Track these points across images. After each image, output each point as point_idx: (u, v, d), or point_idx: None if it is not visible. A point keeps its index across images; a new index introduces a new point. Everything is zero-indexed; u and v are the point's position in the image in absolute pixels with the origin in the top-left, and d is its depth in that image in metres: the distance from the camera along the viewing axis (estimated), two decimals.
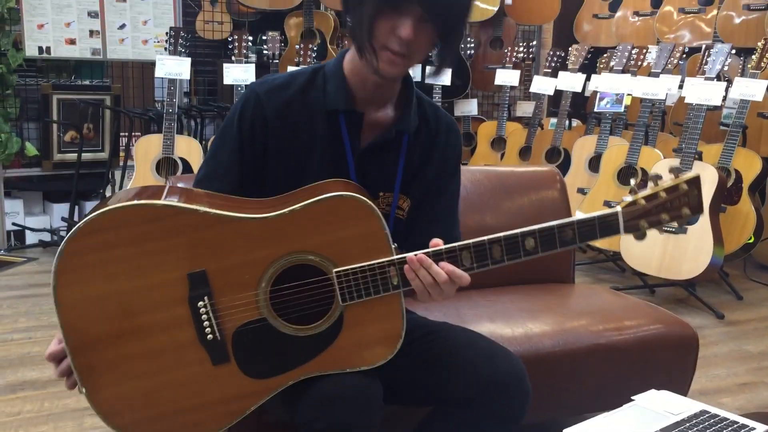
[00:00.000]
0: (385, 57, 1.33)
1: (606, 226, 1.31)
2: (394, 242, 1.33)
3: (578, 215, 1.31)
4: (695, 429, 1.37)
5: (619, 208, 1.31)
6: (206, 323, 1.28)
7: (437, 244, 1.31)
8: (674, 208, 1.31)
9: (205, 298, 1.28)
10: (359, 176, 1.46)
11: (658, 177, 1.32)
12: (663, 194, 1.31)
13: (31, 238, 4.40)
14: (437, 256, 1.30)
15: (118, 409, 1.27)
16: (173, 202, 1.27)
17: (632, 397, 1.50)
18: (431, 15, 1.30)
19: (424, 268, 1.29)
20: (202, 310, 1.28)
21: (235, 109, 1.47)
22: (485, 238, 1.30)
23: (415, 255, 1.29)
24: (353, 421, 1.30)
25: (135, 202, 1.25)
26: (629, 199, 1.32)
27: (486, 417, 1.45)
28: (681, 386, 2.13)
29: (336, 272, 1.30)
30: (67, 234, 1.24)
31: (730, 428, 1.37)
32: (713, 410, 1.44)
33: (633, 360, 2.08)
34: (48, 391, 2.52)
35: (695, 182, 1.31)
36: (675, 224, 1.35)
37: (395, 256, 1.30)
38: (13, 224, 4.33)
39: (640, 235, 1.34)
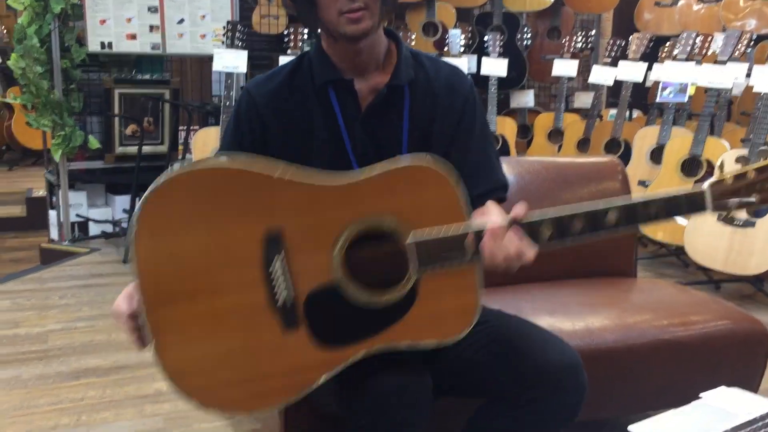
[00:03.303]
0: (344, 20, 1.35)
1: (692, 202, 1.29)
2: None
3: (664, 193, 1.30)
4: (767, 429, 1.31)
5: (706, 186, 1.28)
6: (280, 283, 1.26)
7: (516, 217, 1.25)
8: (764, 189, 1.29)
9: (281, 253, 1.26)
10: (367, 143, 1.45)
11: (745, 159, 1.35)
12: (752, 174, 1.28)
13: (94, 229, 4.51)
14: (514, 225, 1.25)
15: (187, 371, 1.22)
16: (251, 167, 1.28)
17: (700, 395, 1.45)
18: None
19: (498, 239, 1.24)
20: (277, 268, 1.26)
21: (234, 109, 1.54)
22: (566, 208, 1.26)
23: (493, 226, 1.24)
24: (402, 416, 1.29)
25: (217, 164, 1.28)
26: (716, 178, 1.29)
27: (539, 411, 1.41)
28: (750, 385, 2.05)
29: (411, 236, 1.27)
30: (128, 225, 1.27)
31: None
32: None
33: (699, 357, 2.00)
34: (110, 379, 2.57)
35: None
36: (745, 214, 1.33)
37: (472, 225, 1.27)
38: (77, 216, 4.45)
39: (728, 214, 1.36)
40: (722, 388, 1.48)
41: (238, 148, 1.47)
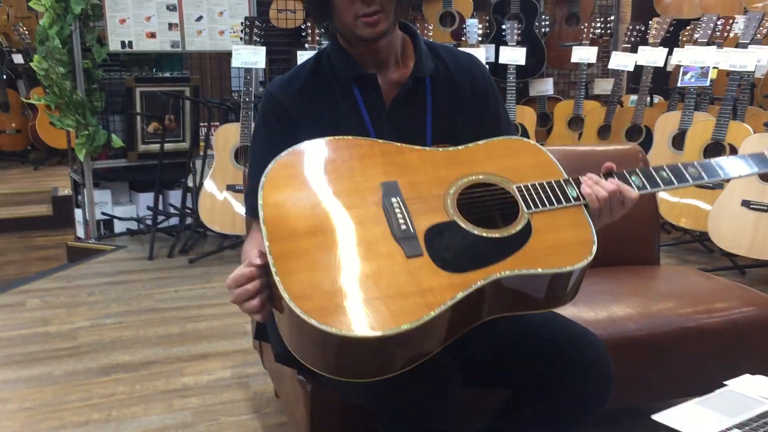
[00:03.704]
0: (361, 24, 1.38)
1: (760, 158, 1.49)
2: None
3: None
4: None
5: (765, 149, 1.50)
6: (400, 218, 1.28)
7: (610, 167, 1.42)
8: None
9: (397, 197, 1.31)
10: (393, 136, 1.46)
11: None
12: None
13: (119, 227, 4.57)
14: (607, 176, 1.41)
15: (308, 293, 1.17)
16: (368, 138, 1.42)
17: (725, 382, 1.44)
18: None
19: (596, 182, 1.37)
20: (396, 206, 1.30)
21: (258, 117, 1.54)
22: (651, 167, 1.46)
23: (589, 174, 1.39)
24: (431, 404, 1.30)
25: (340, 137, 1.39)
26: None
27: (567, 402, 1.42)
28: None
29: (517, 186, 1.36)
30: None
31: None
32: None
33: (723, 344, 2.00)
34: (139, 374, 2.62)
35: None
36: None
37: (570, 176, 1.39)
38: (103, 214, 4.51)
39: None
40: (746, 376, 1.47)
41: (271, 151, 1.45)
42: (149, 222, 4.41)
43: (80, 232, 4.56)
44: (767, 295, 2.15)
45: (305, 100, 1.49)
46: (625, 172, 1.42)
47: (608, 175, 1.41)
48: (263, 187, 1.30)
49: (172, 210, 4.60)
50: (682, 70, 4.23)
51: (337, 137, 1.38)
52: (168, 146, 4.38)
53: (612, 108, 4.76)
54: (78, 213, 4.57)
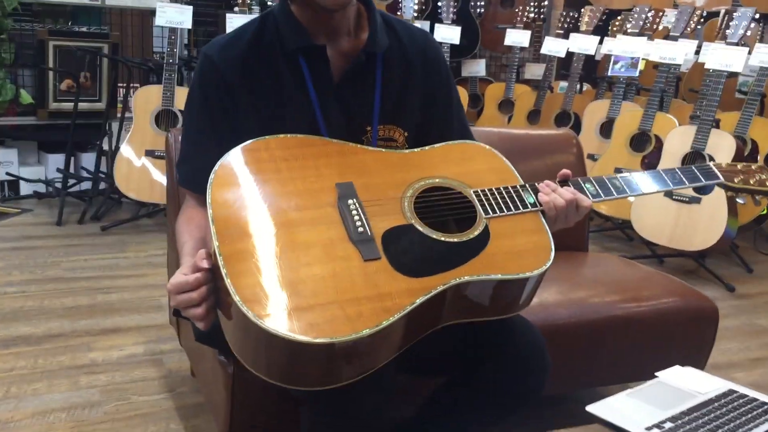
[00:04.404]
0: None
1: (706, 172, 1.53)
2: None
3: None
4: (724, 409, 1.31)
5: (710, 163, 1.54)
6: (356, 220, 1.23)
7: (566, 174, 1.41)
8: (756, 179, 1.55)
9: (353, 199, 1.26)
10: (339, 113, 1.39)
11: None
12: (740, 167, 1.57)
13: (25, 189, 4.29)
14: (562, 183, 1.41)
15: (260, 297, 1.10)
16: (322, 137, 1.36)
17: (656, 374, 1.43)
18: None
19: (553, 190, 1.37)
20: (353, 208, 1.24)
21: (195, 80, 1.42)
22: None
23: (546, 181, 1.38)
24: (362, 389, 1.22)
25: (287, 135, 1.33)
26: (714, 163, 1.57)
27: (503, 390, 1.38)
28: (698, 361, 2.07)
29: (474, 191, 1.34)
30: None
31: (760, 409, 1.30)
32: (741, 389, 1.38)
33: (651, 333, 2.00)
34: (42, 347, 2.44)
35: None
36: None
37: (527, 183, 1.38)
38: (7, 174, 4.22)
39: (736, 191, 1.58)
40: (677, 368, 1.47)
41: (208, 120, 1.38)
42: (59, 185, 4.15)
43: None
44: (691, 286, 2.17)
45: (247, 68, 1.37)
46: (579, 179, 1.43)
47: (563, 182, 1.41)
48: (212, 185, 1.23)
49: (85, 174, 4.34)
50: (612, 59, 4.27)
51: (290, 135, 1.32)
52: (82, 105, 4.12)
53: (542, 93, 4.78)
54: None
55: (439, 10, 4.77)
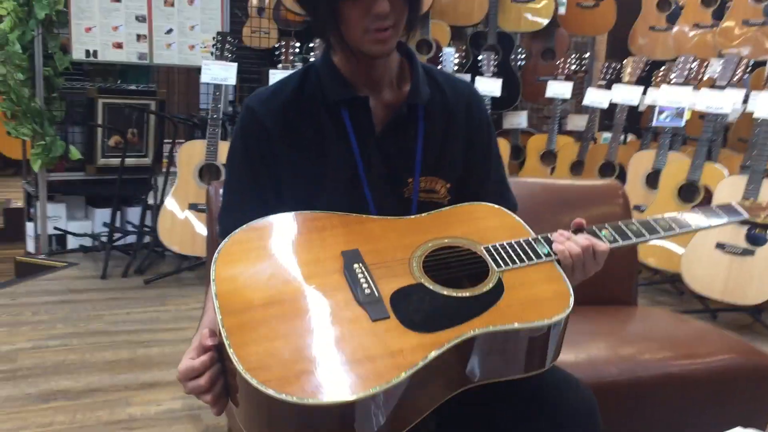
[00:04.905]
0: (370, 39, 1.26)
1: (728, 210, 1.50)
2: None
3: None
4: None
5: (733, 201, 1.52)
6: (363, 283, 1.19)
7: (579, 223, 1.36)
8: None
9: (360, 263, 1.23)
10: (380, 164, 1.36)
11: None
12: (764, 204, 1.51)
13: (72, 243, 4.36)
14: (577, 231, 1.36)
15: (266, 363, 1.06)
16: (325, 211, 1.33)
17: None
18: None
19: (567, 239, 1.32)
20: (359, 271, 1.21)
21: (236, 131, 1.41)
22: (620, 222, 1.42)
23: (560, 231, 1.34)
24: None
25: (297, 212, 1.32)
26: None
27: None
28: (759, 422, 1.94)
29: (485, 247, 1.30)
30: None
31: None
32: None
33: (707, 392, 1.89)
34: (81, 402, 2.43)
35: None
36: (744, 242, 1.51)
37: (539, 235, 1.33)
38: (56, 228, 4.30)
39: (763, 228, 1.52)
40: (738, 429, 1.38)
41: (249, 171, 1.37)
42: (104, 239, 4.22)
43: (30, 246, 4.34)
44: (747, 342, 2.06)
45: (289, 117, 1.36)
46: (594, 227, 1.38)
47: (578, 231, 1.36)
48: (216, 262, 1.20)
49: (130, 227, 4.41)
50: (657, 109, 4.21)
51: (293, 213, 1.30)
52: (129, 161, 4.21)
53: (586, 144, 4.72)
54: (29, 227, 4.36)
55: (480, 64, 4.78)
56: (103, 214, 4.42)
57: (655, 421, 1.87)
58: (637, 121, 5.21)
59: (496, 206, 1.39)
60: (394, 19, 1.25)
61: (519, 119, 5.35)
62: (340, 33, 1.27)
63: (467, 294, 1.21)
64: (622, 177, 4.32)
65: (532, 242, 1.30)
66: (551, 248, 1.29)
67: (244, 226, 1.27)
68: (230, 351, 1.07)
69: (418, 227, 1.34)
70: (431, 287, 1.22)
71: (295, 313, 1.14)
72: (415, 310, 1.17)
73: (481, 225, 1.35)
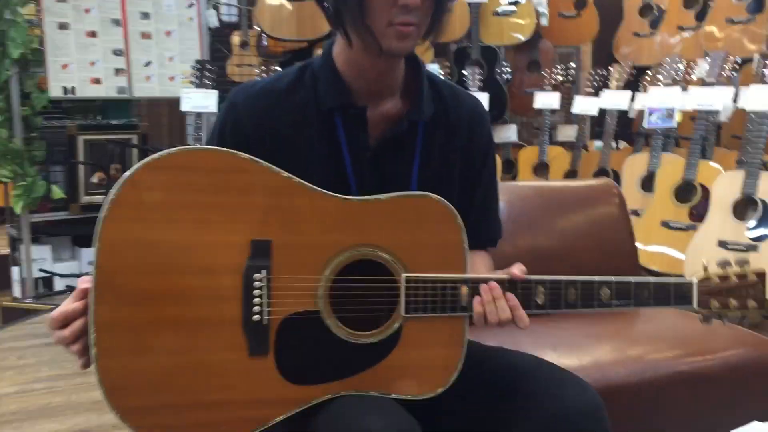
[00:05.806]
0: (392, 33, 1.17)
1: (681, 294, 1.31)
2: None
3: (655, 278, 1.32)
4: None
5: (694, 279, 1.32)
6: (256, 300, 1.11)
7: (517, 277, 1.22)
8: (742, 296, 1.33)
9: (263, 271, 1.12)
10: (372, 178, 1.27)
11: (726, 263, 1.36)
12: (734, 278, 1.34)
13: (59, 284, 4.26)
14: (511, 286, 1.22)
15: (124, 385, 1.06)
16: (261, 162, 1.16)
17: None
18: None
19: (494, 299, 1.21)
20: (257, 284, 1.12)
21: (216, 122, 1.32)
22: (561, 278, 1.24)
23: (489, 283, 1.21)
24: None
25: (225, 150, 1.15)
26: (703, 274, 1.34)
27: None
28: None
29: (406, 276, 1.18)
30: None
31: None
32: None
33: (721, 388, 1.80)
34: None
35: (763, 277, 1.35)
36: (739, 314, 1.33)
37: (469, 276, 1.22)
38: (41, 271, 4.20)
39: (707, 317, 1.33)
40: (755, 424, 1.30)
41: None
42: None
43: (17, 291, 4.24)
44: (760, 335, 1.97)
45: (272, 119, 1.27)
46: (534, 282, 1.23)
47: (512, 283, 1.22)
48: (105, 219, 1.07)
49: None
50: (647, 111, 4.15)
51: (219, 150, 1.15)
52: None
53: (578, 152, 4.66)
54: (15, 271, 4.25)
55: (465, 79, 4.74)
56: (89, 254, 4.29)
57: (668, 421, 1.77)
58: (628, 127, 5.15)
59: (450, 209, 1.21)
60: (419, 17, 1.18)
61: (508, 133, 5.29)
62: (363, 22, 1.18)
63: (359, 341, 1.16)
64: (616, 183, 4.24)
65: (458, 287, 1.20)
66: (472, 302, 1.20)
67: (151, 158, 1.10)
68: (93, 351, 1.05)
69: (351, 218, 1.18)
70: (326, 321, 1.15)
71: (173, 321, 1.08)
72: (295, 349, 1.13)
73: (418, 236, 1.20)
